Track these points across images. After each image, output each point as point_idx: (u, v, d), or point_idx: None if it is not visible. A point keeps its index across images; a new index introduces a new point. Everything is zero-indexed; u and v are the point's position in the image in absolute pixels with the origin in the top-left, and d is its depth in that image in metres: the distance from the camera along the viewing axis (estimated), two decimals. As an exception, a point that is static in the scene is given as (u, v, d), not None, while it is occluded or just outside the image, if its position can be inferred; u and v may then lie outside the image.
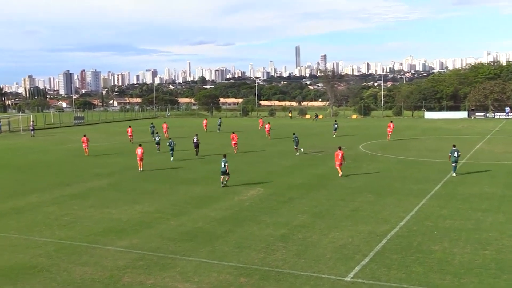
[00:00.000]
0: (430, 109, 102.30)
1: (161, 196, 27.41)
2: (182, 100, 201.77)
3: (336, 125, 60.86)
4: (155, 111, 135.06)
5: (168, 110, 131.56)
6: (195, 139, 44.03)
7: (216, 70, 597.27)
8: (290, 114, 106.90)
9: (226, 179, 29.48)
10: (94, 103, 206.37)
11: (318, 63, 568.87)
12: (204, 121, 73.51)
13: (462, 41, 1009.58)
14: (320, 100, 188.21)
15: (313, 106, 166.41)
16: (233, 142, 46.07)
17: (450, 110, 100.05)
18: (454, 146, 32.63)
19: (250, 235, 19.80)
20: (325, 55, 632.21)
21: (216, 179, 31.62)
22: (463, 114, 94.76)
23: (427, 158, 39.66)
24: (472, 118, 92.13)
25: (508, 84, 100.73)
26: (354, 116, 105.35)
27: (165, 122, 67.85)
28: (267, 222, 21.64)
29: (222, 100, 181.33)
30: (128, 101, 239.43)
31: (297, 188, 28.64)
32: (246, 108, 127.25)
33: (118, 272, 16.14)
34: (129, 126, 59.93)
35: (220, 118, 79.54)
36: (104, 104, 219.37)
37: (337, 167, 32.23)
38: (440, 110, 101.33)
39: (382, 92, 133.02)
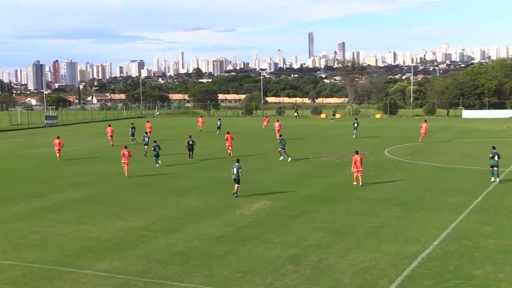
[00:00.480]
0: (469, 107, 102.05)
1: (148, 210, 27.41)
2: (174, 96, 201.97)
3: (356, 124, 61.20)
4: (141, 110, 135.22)
5: (158, 109, 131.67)
6: (190, 141, 44.95)
7: (214, 61, 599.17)
8: (296, 114, 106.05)
9: (236, 188, 29.92)
10: (69, 99, 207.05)
11: (335, 53, 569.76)
12: (200, 119, 74.56)
13: (507, 25, 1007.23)
14: (336, 96, 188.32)
15: (329, 103, 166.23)
16: (227, 144, 46.89)
17: (493, 108, 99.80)
18: (494, 148, 33.08)
19: (254, 256, 19.77)
20: (343, 43, 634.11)
21: (214, 189, 31.71)
22: (508, 113, 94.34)
23: (465, 165, 39.56)
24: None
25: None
26: (378, 115, 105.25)
27: (148, 121, 67.95)
28: (274, 241, 21.61)
29: (221, 96, 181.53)
30: (109, 97, 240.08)
31: (309, 201, 28.59)
32: (249, 106, 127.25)
33: (97, 301, 16.12)
34: (109, 125, 60.22)
35: (219, 118, 79.80)
36: (82, 101, 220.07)
37: (355, 175, 32.64)
38: (481, 108, 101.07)
39: (412, 87, 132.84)
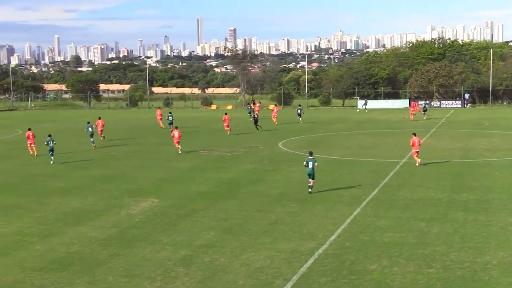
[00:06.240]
0: (364, 97, 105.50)
1: (22, 213, 26.45)
2: (50, 86, 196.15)
3: (300, 110, 70.34)
4: (12, 101, 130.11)
5: (31, 100, 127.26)
6: (255, 116, 60.86)
7: (94, 48, 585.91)
8: (252, 106, 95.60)
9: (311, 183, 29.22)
10: None
11: (226, 40, 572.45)
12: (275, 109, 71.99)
13: (401, 13, 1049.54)
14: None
15: (220, 93, 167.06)
16: (99, 129, 53.28)
17: (387, 98, 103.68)
18: None
19: (141, 259, 19.59)
20: (234, 30, 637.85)
21: (96, 188, 31.08)
22: (403, 103, 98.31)
23: (360, 157, 40.87)
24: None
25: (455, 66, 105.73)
26: (271, 106, 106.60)
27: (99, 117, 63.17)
28: (163, 242, 21.50)
29: (103, 86, 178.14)
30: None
31: (200, 198, 28.63)
32: (134, 97, 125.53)
33: (-36, 316, 15.46)
34: None
35: (300, 105, 78.63)
36: None
37: (415, 156, 36.19)
38: (376, 97, 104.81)
39: (306, 76, 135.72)
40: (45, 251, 20.77)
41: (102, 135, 53.89)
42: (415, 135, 36.42)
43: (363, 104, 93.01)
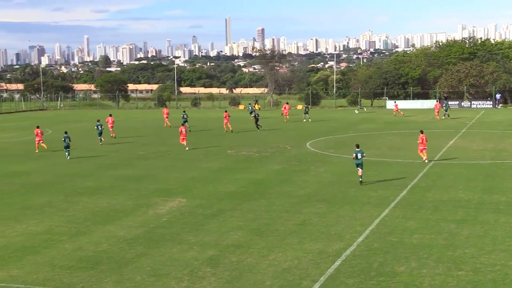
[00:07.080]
0: (393, 97, 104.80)
1: (52, 212, 26.79)
2: (79, 86, 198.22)
3: (307, 109, 75.16)
4: (42, 101, 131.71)
5: (61, 100, 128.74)
6: (256, 115, 62.51)
7: (123, 48, 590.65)
8: (257, 106, 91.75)
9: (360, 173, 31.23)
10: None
11: (254, 40, 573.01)
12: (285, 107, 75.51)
13: (431, 12, 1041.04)
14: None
15: (248, 93, 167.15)
16: (109, 126, 55.56)
17: (417, 98, 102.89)
18: None
19: (169, 259, 19.70)
20: (262, 29, 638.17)
21: (124, 188, 31.29)
22: (432, 103, 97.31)
23: (388, 157, 40.65)
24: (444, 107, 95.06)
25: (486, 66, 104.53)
26: (299, 107, 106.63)
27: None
28: (190, 241, 21.60)
29: (131, 86, 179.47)
30: (5, 87, 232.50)
31: (228, 198, 28.70)
32: (162, 97, 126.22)
33: (-6, 313, 15.68)
34: None
35: (306, 105, 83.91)
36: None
37: (420, 153, 37.74)
38: (405, 98, 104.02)
39: (335, 76, 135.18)
40: (74, 249, 21.00)
41: (113, 133, 55.76)
42: (422, 133, 37.90)
43: (359, 106, 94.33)
